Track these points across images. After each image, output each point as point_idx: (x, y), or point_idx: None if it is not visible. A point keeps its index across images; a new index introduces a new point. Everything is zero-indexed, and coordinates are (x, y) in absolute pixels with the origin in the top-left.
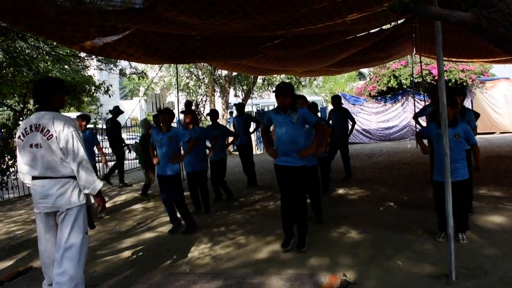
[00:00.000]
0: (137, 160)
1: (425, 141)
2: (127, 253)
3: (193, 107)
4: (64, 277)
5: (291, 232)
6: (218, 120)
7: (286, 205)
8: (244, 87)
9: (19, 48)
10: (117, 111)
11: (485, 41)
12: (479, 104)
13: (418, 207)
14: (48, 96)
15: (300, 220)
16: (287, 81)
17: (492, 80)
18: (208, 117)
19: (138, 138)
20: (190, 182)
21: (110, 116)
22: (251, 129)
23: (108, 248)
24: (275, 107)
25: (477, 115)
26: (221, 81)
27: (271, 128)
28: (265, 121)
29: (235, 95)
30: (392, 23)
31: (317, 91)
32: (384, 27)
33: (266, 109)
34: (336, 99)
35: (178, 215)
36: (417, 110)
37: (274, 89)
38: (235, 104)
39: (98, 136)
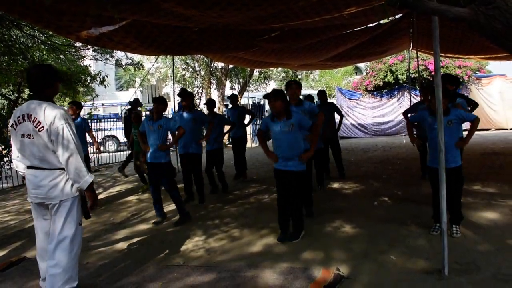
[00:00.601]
0: None
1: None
2: (121, 245)
3: None
4: (57, 269)
5: (288, 229)
6: (214, 110)
7: (283, 206)
8: (241, 80)
9: (14, 37)
10: (136, 102)
11: (482, 38)
12: (475, 100)
13: (412, 202)
14: (48, 84)
15: (295, 217)
16: (284, 74)
17: (488, 77)
18: (205, 107)
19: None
20: (184, 165)
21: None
22: (246, 122)
23: (102, 239)
24: (270, 114)
25: (474, 105)
26: (217, 73)
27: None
28: (261, 127)
29: (231, 88)
30: (390, 18)
31: (313, 84)
32: (381, 21)
33: (262, 102)
34: (322, 94)
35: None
36: None
37: (270, 82)
38: (228, 96)
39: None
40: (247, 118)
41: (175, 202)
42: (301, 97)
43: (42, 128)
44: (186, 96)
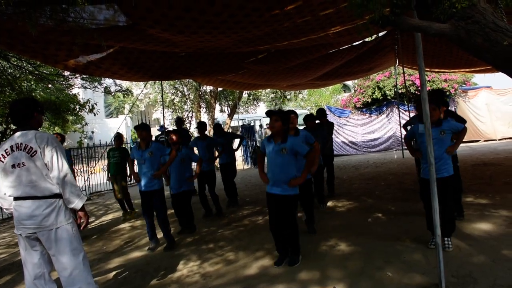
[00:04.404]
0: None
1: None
2: (115, 274)
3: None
4: None
5: (285, 252)
6: (205, 133)
7: (276, 230)
8: (230, 102)
9: (1, 68)
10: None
11: (464, 52)
12: (463, 113)
13: (406, 217)
14: (30, 116)
15: (292, 245)
16: (273, 95)
17: (474, 89)
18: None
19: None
20: (174, 202)
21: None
22: (235, 146)
23: (95, 269)
24: (269, 135)
25: (462, 121)
26: (207, 96)
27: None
28: (261, 149)
29: (221, 111)
30: (374, 36)
31: (302, 104)
32: (366, 39)
33: (252, 124)
34: (321, 113)
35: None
36: (402, 121)
37: (259, 103)
38: (213, 127)
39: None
40: (236, 142)
41: (162, 229)
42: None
43: (35, 153)
44: (175, 133)
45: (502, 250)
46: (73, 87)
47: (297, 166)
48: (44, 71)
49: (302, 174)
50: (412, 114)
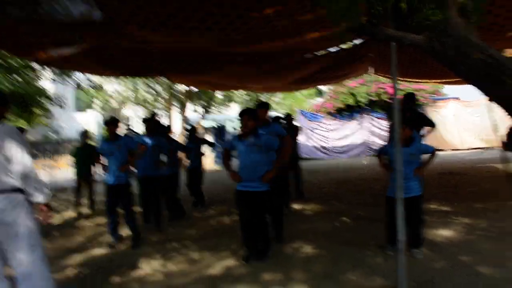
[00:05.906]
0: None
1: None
2: (76, 271)
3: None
4: None
5: (253, 249)
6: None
7: (247, 228)
8: (203, 102)
9: None
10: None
11: (438, 63)
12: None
13: (373, 222)
14: None
15: (262, 242)
16: (248, 97)
17: (443, 100)
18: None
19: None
20: (143, 189)
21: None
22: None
23: (56, 265)
24: (238, 134)
25: (431, 126)
26: (180, 96)
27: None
28: (227, 146)
29: (194, 110)
30: (351, 43)
31: (277, 107)
32: (343, 46)
33: (224, 124)
34: (288, 117)
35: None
36: (373, 129)
37: (232, 104)
38: (187, 130)
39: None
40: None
41: (130, 224)
42: None
43: None
44: (147, 121)
45: (462, 256)
46: (41, 79)
47: (268, 161)
48: (14, 63)
49: (273, 168)
50: (384, 122)
